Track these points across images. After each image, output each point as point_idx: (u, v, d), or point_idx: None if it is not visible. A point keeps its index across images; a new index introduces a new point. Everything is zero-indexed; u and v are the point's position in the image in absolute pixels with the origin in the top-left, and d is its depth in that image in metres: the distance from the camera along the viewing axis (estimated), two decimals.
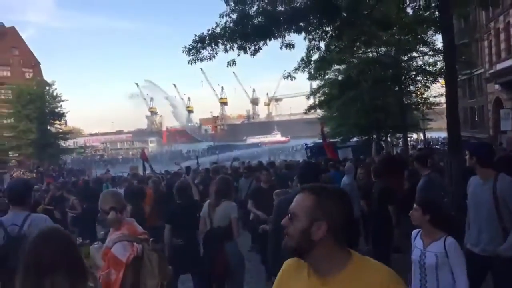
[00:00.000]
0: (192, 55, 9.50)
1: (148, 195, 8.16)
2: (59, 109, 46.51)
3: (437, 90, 20.84)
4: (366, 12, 10.38)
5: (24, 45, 60.30)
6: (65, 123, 53.56)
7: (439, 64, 17.77)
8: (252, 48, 9.42)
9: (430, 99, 21.87)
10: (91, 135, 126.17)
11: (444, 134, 26.22)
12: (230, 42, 9.16)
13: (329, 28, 10.39)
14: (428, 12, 13.43)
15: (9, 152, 46.62)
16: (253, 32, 8.95)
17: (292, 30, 9.46)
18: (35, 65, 60.03)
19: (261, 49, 9.53)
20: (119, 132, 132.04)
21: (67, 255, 1.82)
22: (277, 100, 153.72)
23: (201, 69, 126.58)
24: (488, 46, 30.51)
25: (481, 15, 30.04)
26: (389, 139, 27.85)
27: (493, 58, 29.00)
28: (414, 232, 3.54)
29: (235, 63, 10.18)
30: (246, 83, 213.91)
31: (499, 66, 27.27)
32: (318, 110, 27.63)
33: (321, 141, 21.54)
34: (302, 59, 13.26)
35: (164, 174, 17.03)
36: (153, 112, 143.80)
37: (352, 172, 8.16)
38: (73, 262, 1.83)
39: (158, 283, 3.11)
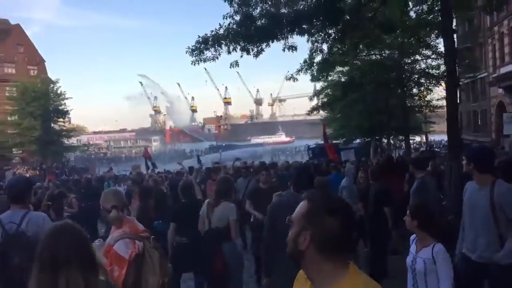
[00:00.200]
0: (195, 56, 9.55)
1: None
2: (63, 106, 46.56)
3: (440, 93, 20.85)
4: (369, 15, 10.41)
5: (29, 43, 60.53)
6: (69, 121, 53.74)
7: (442, 68, 17.76)
8: (255, 49, 9.48)
9: (433, 102, 21.88)
10: (95, 133, 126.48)
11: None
12: (233, 44, 9.22)
13: (332, 31, 10.42)
14: (431, 16, 13.47)
15: (13, 149, 46.76)
16: (256, 34, 9.00)
17: (295, 32, 9.49)
18: (40, 62, 60.30)
19: (263, 50, 9.56)
20: (123, 131, 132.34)
21: (80, 250, 1.91)
22: (281, 100, 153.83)
23: (205, 69, 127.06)
24: (492, 50, 30.49)
25: (485, 19, 30.02)
26: (391, 141, 27.86)
27: (497, 62, 28.98)
28: (413, 236, 3.56)
29: (238, 65, 10.22)
30: (250, 83, 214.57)
31: (503, 70, 27.26)
32: (322, 112, 27.65)
33: (323, 142, 21.59)
34: (305, 61, 13.30)
35: (164, 173, 17.10)
36: (157, 111, 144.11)
37: (351, 174, 8.15)
38: (86, 256, 1.92)
39: (159, 280, 3.17)
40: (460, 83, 28.40)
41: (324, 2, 9.09)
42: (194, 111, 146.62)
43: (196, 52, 9.52)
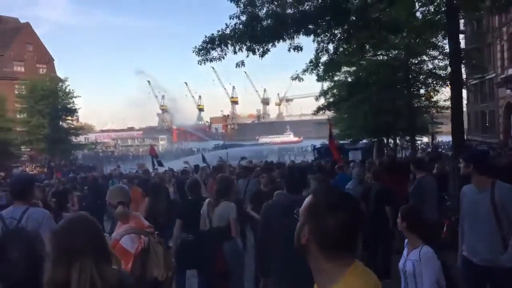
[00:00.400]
0: (201, 55, 9.66)
1: (139, 194, 8.27)
2: (71, 105, 46.85)
3: (447, 94, 20.74)
4: (375, 16, 10.42)
5: (38, 41, 60.89)
6: (77, 119, 54.05)
7: (450, 68, 17.66)
8: (261, 50, 9.55)
9: (440, 102, 21.80)
10: (103, 131, 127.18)
11: None
12: (239, 44, 9.30)
13: (338, 31, 10.45)
14: (438, 17, 13.43)
15: (22, 147, 47.16)
16: (262, 34, 9.07)
17: (301, 33, 9.54)
18: (49, 61, 60.69)
19: (269, 50, 9.63)
20: (130, 129, 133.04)
21: (94, 240, 2.00)
22: (288, 100, 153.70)
23: (213, 68, 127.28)
24: (500, 50, 30.30)
25: (494, 19, 29.84)
26: (398, 142, 27.77)
27: (505, 63, 28.81)
28: (406, 240, 3.56)
29: (244, 64, 10.31)
30: (257, 82, 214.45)
31: (511, 71, 27.10)
32: (329, 112, 27.61)
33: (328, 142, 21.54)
34: (311, 61, 13.33)
35: (169, 171, 17.17)
36: (164, 110, 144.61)
37: (357, 177, 8.02)
38: (99, 246, 2.01)
39: (163, 274, 3.26)
40: (468, 84, 28.33)
41: (330, 3, 9.13)
42: (201, 110, 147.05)
43: (202, 51, 9.63)
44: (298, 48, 9.85)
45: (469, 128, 39.09)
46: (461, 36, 23.81)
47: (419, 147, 31.50)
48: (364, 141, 28.39)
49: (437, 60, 18.61)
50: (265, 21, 9.26)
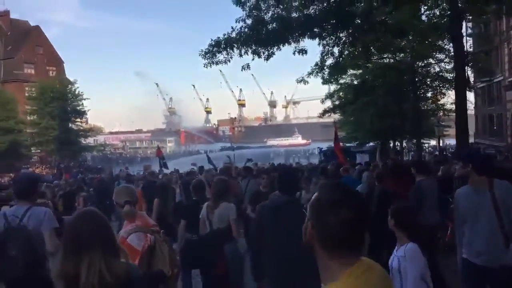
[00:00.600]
0: (208, 58, 9.79)
1: (138, 194, 8.41)
2: (80, 107, 47.26)
3: (453, 97, 20.62)
4: (380, 19, 10.48)
5: (48, 44, 61.49)
6: (86, 121, 54.43)
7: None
8: (266, 53, 9.65)
9: (447, 105, 21.73)
10: (111, 133, 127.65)
11: None
12: (244, 47, 9.41)
13: (343, 34, 10.53)
14: (444, 20, 13.45)
15: (32, 148, 47.69)
16: (267, 37, 9.17)
17: (306, 36, 9.63)
18: (59, 63, 61.23)
19: (274, 54, 9.75)
20: (139, 131, 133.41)
21: (103, 234, 2.10)
22: (295, 103, 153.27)
23: (221, 71, 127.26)
24: (508, 53, 30.09)
25: (502, 22, 29.67)
26: (405, 145, 27.68)
27: None
28: None
29: (249, 67, 10.41)
30: (264, 85, 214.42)
31: None
32: (335, 114, 27.60)
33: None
34: (316, 64, 13.40)
35: (175, 172, 17.27)
36: (172, 112, 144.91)
37: (366, 181, 8.00)
38: (108, 240, 2.11)
39: (169, 271, 3.37)
40: (476, 87, 28.17)
41: (335, 6, 9.21)
42: (208, 112, 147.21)
43: (208, 55, 9.75)
44: (303, 51, 9.93)
45: (477, 132, 38.83)
46: (469, 39, 23.78)
47: (426, 150, 31.31)
48: (371, 144, 28.34)
49: (443, 63, 18.61)
50: (271, 24, 9.38)
